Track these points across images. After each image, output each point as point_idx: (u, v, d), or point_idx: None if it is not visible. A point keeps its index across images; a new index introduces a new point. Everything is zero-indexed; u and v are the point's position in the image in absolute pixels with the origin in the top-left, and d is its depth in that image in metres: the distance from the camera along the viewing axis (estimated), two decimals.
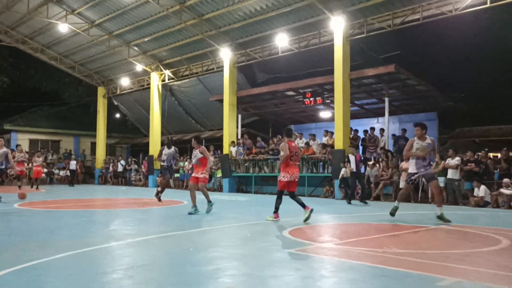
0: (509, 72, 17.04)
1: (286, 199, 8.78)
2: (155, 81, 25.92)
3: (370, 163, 16.33)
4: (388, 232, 7.42)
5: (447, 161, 14.08)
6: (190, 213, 9.70)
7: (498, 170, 13.74)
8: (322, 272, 4.52)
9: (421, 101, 20.02)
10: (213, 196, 9.24)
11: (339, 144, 16.67)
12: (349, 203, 13.73)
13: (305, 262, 4.98)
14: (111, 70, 28.50)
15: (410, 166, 8.90)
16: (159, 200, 12.86)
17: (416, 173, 8.76)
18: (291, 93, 21.34)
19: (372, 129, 18.58)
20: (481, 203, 12.87)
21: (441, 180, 13.93)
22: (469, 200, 13.35)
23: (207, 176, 10.28)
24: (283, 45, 19.11)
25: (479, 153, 14.39)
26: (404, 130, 17.47)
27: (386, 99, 18.00)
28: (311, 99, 19.86)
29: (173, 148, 12.61)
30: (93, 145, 33.06)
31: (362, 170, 16.33)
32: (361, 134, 18.76)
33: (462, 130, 19.68)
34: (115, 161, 29.83)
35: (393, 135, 18.19)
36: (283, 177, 8.59)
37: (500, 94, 19.13)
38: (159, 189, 13.14)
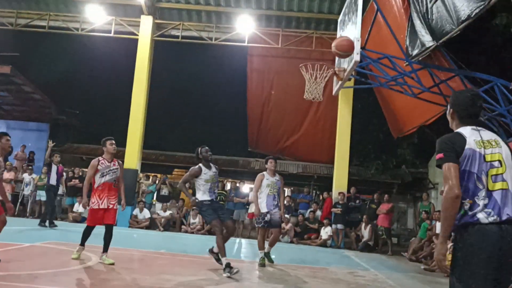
0: (119, 100, 18.66)
1: None
2: None
3: None
4: None
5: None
6: None
7: None
8: None
9: (35, 110, 19.27)
10: None
11: None
12: (43, 224, 11.15)
13: None
14: None
15: (260, 205, 7.64)
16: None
17: (268, 212, 7.62)
18: None
19: None
20: (79, 219, 13.29)
21: (43, 195, 13.66)
22: (68, 215, 13.65)
23: None
24: None
25: None
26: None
27: None
28: None
29: (214, 168, 7.00)
30: None
31: None
32: None
33: (71, 146, 20.06)
34: None
35: None
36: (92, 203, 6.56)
37: (109, 120, 20.78)
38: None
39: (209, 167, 6.82)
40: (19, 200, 13.93)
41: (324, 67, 9.95)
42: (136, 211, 13.49)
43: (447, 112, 3.08)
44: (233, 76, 19.45)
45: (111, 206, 6.53)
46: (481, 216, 2.66)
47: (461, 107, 2.94)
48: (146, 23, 14.40)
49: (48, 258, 6.39)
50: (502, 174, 2.73)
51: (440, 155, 2.76)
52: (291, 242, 12.59)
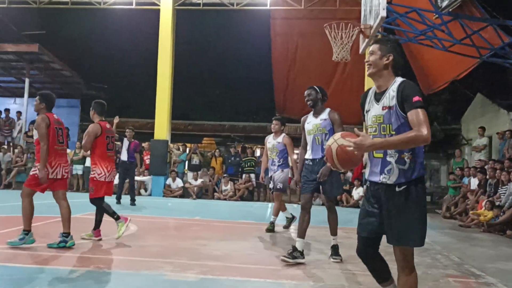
0: (145, 72, 18.75)
1: None
2: None
3: (5, 147, 14.81)
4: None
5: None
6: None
7: None
8: None
9: (65, 86, 19.64)
10: None
11: None
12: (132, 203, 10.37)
13: None
14: None
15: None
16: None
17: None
18: None
19: (7, 110, 16.89)
20: None
21: (79, 168, 14.17)
22: None
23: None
24: None
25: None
26: None
27: (27, 80, 16.73)
28: None
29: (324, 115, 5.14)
30: None
31: None
32: None
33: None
34: None
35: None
36: (98, 175, 5.73)
37: (136, 92, 21.00)
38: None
39: (316, 114, 5.11)
40: None
41: (349, 25, 9.68)
42: (169, 181, 13.78)
43: (379, 58, 2.82)
44: (257, 41, 19.19)
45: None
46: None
47: (399, 58, 2.85)
48: None
49: (87, 228, 6.62)
50: None
51: (419, 98, 2.64)
52: (323, 204, 12.63)
